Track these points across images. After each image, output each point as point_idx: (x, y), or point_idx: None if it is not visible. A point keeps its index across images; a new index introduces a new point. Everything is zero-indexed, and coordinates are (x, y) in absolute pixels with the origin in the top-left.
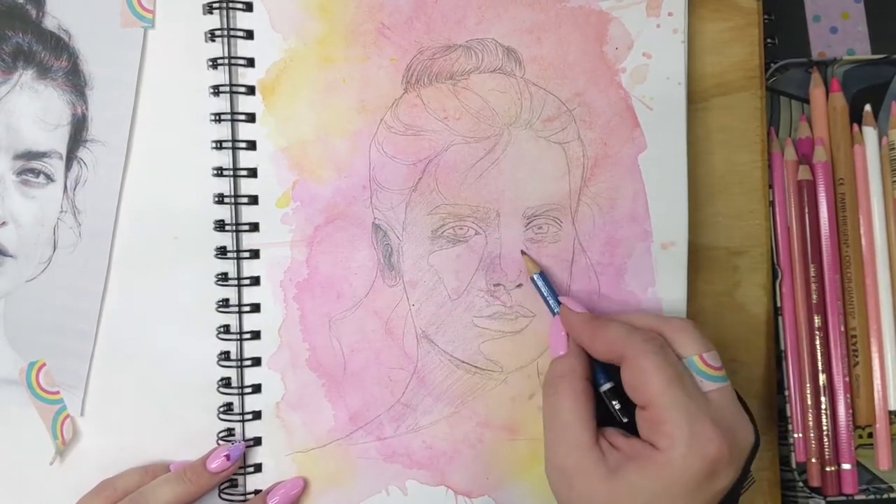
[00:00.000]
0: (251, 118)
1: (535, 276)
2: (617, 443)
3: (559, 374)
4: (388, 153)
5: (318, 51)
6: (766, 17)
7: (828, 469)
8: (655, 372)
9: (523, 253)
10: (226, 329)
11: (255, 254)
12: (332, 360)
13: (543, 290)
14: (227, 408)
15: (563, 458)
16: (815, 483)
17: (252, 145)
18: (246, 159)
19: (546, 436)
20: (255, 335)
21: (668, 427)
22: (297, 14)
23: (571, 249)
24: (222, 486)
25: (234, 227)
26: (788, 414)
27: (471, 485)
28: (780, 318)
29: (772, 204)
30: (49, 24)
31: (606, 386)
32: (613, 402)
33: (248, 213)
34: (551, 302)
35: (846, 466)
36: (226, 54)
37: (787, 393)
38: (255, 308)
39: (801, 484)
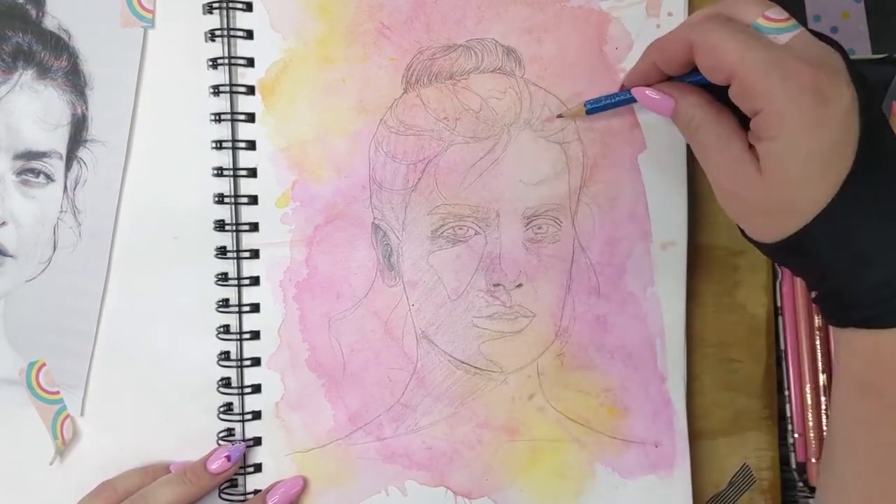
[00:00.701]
0: (251, 118)
1: (588, 108)
2: (750, 138)
3: (689, 117)
4: (387, 153)
5: (318, 51)
6: None
7: None
8: (725, 42)
9: (560, 116)
10: (226, 329)
11: (254, 254)
12: (331, 360)
13: (605, 101)
14: (227, 408)
15: (732, 183)
16: (815, 483)
17: (252, 145)
18: (245, 159)
19: (709, 172)
20: (255, 335)
21: (760, 84)
22: (296, 14)
23: (571, 249)
24: (222, 486)
25: (234, 227)
26: (788, 414)
27: (470, 486)
28: (780, 317)
29: None
30: (49, 23)
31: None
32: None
33: (248, 213)
34: (619, 97)
35: None
36: (226, 54)
37: (787, 393)
38: (255, 308)
39: (801, 484)
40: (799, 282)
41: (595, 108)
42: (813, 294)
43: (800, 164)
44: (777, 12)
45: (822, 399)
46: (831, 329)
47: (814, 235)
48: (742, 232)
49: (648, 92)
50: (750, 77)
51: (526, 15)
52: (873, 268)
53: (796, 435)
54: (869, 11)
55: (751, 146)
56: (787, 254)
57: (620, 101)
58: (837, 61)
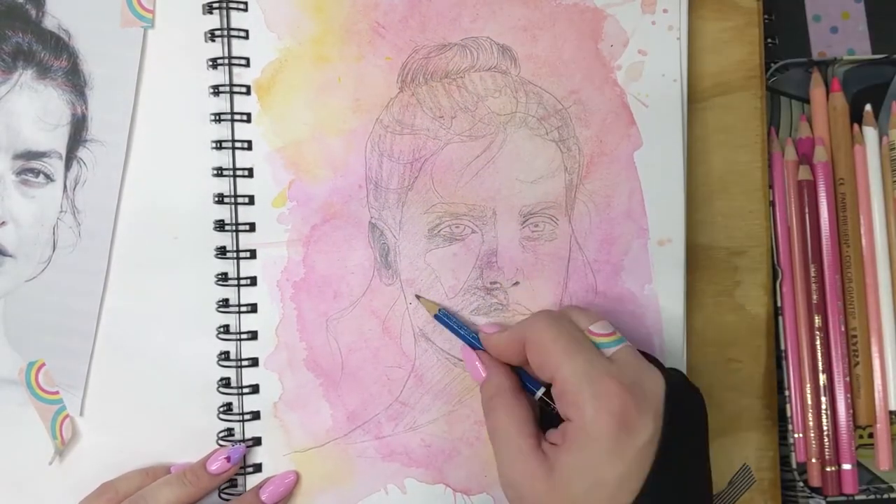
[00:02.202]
0: (247, 118)
1: (439, 314)
2: (555, 438)
3: (488, 396)
4: (383, 152)
5: (313, 50)
6: (766, 16)
7: (828, 469)
8: (552, 344)
9: (418, 297)
10: (225, 329)
11: (252, 254)
12: (329, 359)
13: (452, 324)
14: (227, 408)
15: (510, 472)
16: (816, 483)
17: (248, 145)
18: (242, 159)
19: (495, 456)
20: (253, 335)
21: (572, 395)
22: (291, 13)
23: (568, 247)
24: (222, 487)
25: (233, 227)
26: (789, 414)
27: (469, 482)
28: (780, 318)
29: (772, 204)
30: (49, 23)
31: (539, 392)
32: (550, 404)
33: (245, 213)
34: (462, 333)
35: (846, 466)
36: (225, 54)
37: (787, 393)
38: (253, 308)
39: (801, 484)
40: (799, 282)
41: (442, 320)
42: None
43: (585, 487)
44: (601, 326)
45: (823, 399)
46: None
47: None
48: None
49: (472, 355)
50: (566, 386)
51: (521, 13)
52: None
53: (797, 435)
54: (869, 11)
55: (550, 444)
56: None
57: (462, 337)
58: (655, 384)
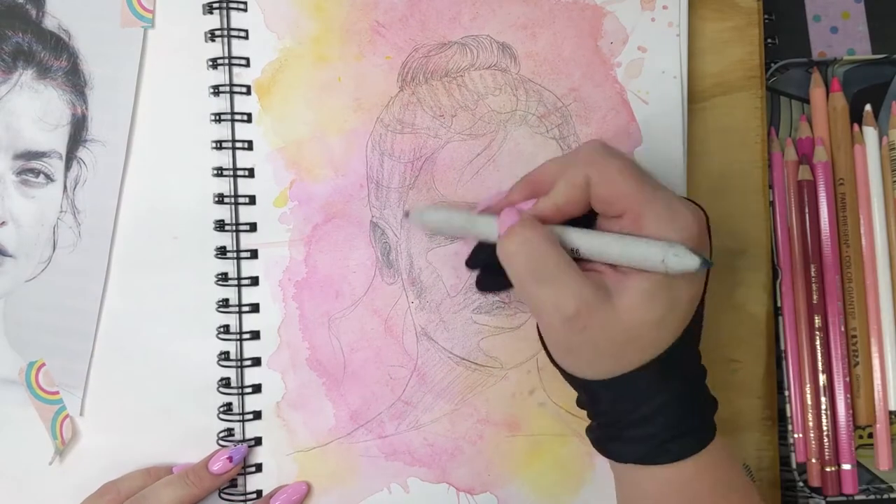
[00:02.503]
0: (248, 118)
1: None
2: (600, 268)
3: (528, 239)
4: (384, 151)
5: (313, 50)
6: (766, 16)
7: (828, 469)
8: (621, 173)
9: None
10: (225, 329)
11: (253, 254)
12: (332, 358)
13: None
14: (227, 408)
15: (565, 308)
16: (816, 483)
17: (249, 145)
18: (243, 159)
19: (536, 299)
20: (255, 335)
21: (653, 224)
22: (291, 13)
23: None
24: (223, 487)
25: (234, 227)
26: (788, 414)
27: (472, 481)
28: (780, 318)
29: (772, 204)
30: (49, 23)
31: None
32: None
33: (246, 213)
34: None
35: (846, 467)
36: (226, 54)
37: (787, 393)
38: (255, 308)
39: (801, 484)
40: (799, 282)
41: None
42: (593, 424)
43: (665, 307)
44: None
45: (822, 399)
46: (612, 469)
47: (640, 379)
48: (555, 364)
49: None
50: (644, 212)
51: (520, 11)
52: (666, 415)
53: (796, 435)
54: (869, 11)
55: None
56: (598, 392)
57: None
58: (703, 217)
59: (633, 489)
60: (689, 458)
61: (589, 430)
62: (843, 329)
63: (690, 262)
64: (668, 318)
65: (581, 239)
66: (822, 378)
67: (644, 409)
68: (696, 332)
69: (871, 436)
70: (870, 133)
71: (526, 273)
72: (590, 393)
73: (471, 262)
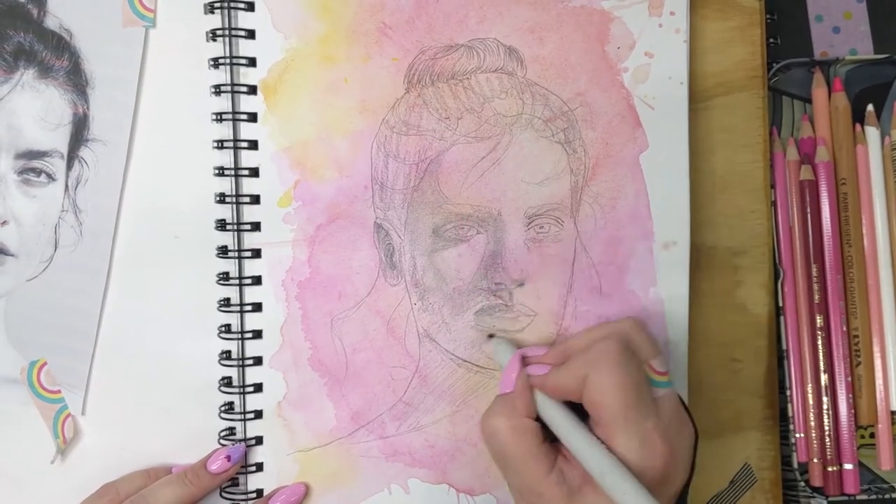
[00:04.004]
0: (253, 118)
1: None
2: (574, 463)
3: (497, 414)
4: (389, 153)
5: (320, 50)
6: (768, 16)
7: (830, 469)
8: (617, 392)
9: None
10: (227, 328)
11: (256, 253)
12: (333, 359)
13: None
14: (229, 407)
15: (525, 492)
16: (817, 483)
17: (254, 145)
18: (247, 159)
19: (504, 475)
20: (257, 334)
21: (621, 448)
22: (298, 13)
23: (573, 249)
24: (224, 486)
25: (235, 227)
26: (790, 414)
27: (472, 483)
28: (781, 317)
29: (774, 204)
30: (50, 23)
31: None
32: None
33: (250, 213)
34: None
35: (848, 466)
36: (227, 54)
37: (788, 393)
38: (257, 307)
39: (802, 484)
40: (801, 282)
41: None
42: None
43: None
44: (661, 364)
45: (824, 399)
46: None
47: None
48: None
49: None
50: (616, 435)
51: (528, 15)
52: None
53: (798, 435)
54: (871, 11)
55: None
56: None
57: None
58: (690, 439)
59: None
60: None
61: None
62: (844, 329)
63: None
64: None
65: (567, 433)
66: (823, 378)
67: None
68: None
69: (872, 436)
70: (872, 133)
71: (496, 455)
72: None
73: None
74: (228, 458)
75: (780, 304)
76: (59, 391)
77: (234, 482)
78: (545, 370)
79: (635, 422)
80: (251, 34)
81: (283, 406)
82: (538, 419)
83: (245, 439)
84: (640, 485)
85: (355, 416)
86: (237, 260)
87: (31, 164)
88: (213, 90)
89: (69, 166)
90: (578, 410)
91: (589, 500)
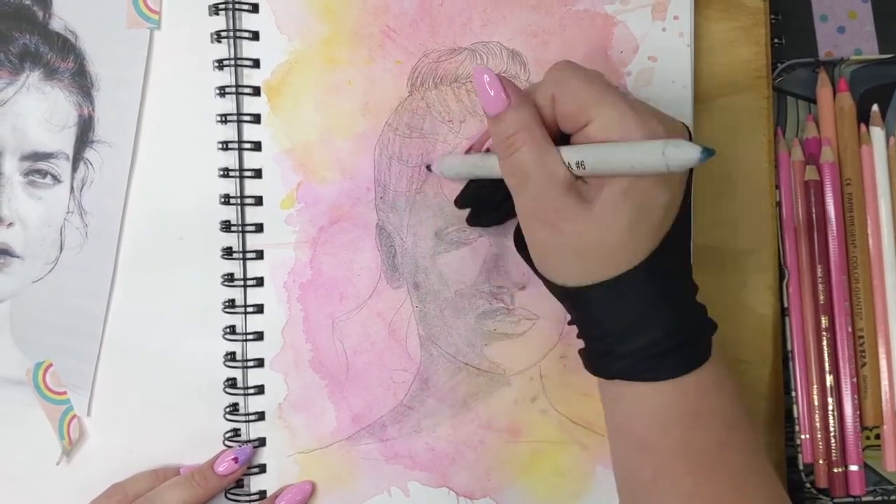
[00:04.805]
0: (256, 119)
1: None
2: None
3: (513, 129)
4: (392, 155)
5: (323, 52)
6: (772, 16)
7: (835, 470)
8: (587, 84)
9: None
10: (231, 329)
11: (259, 255)
12: (334, 361)
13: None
14: (234, 408)
15: (545, 207)
16: (823, 484)
17: (257, 146)
18: (251, 160)
19: (518, 195)
20: (259, 336)
21: (616, 127)
22: (302, 16)
23: None
24: (229, 487)
25: (240, 228)
26: (795, 415)
27: (472, 486)
28: (787, 318)
29: (778, 204)
30: (55, 25)
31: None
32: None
33: (253, 214)
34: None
35: (853, 468)
36: (231, 55)
37: (794, 394)
38: (259, 309)
39: (808, 485)
40: (806, 282)
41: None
42: (583, 344)
43: (631, 215)
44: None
45: (829, 400)
46: (599, 387)
47: (620, 287)
48: (534, 269)
49: (493, 78)
50: (611, 118)
51: (531, 18)
52: (650, 327)
53: (803, 436)
54: (876, 11)
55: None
56: (580, 300)
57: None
58: (681, 128)
59: (616, 410)
60: (676, 379)
61: (581, 352)
62: (850, 330)
63: (691, 152)
64: (639, 225)
65: (578, 152)
66: (829, 379)
67: (625, 320)
68: (678, 244)
69: (878, 437)
70: (877, 133)
71: (522, 145)
72: (571, 301)
73: (460, 201)
74: (236, 459)
75: (786, 305)
76: (64, 392)
77: (239, 484)
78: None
79: (620, 98)
80: (255, 36)
81: (283, 408)
82: None
83: (249, 440)
84: (639, 143)
85: (356, 419)
86: (242, 261)
87: (36, 165)
88: (217, 91)
89: (74, 168)
90: None
91: (603, 205)
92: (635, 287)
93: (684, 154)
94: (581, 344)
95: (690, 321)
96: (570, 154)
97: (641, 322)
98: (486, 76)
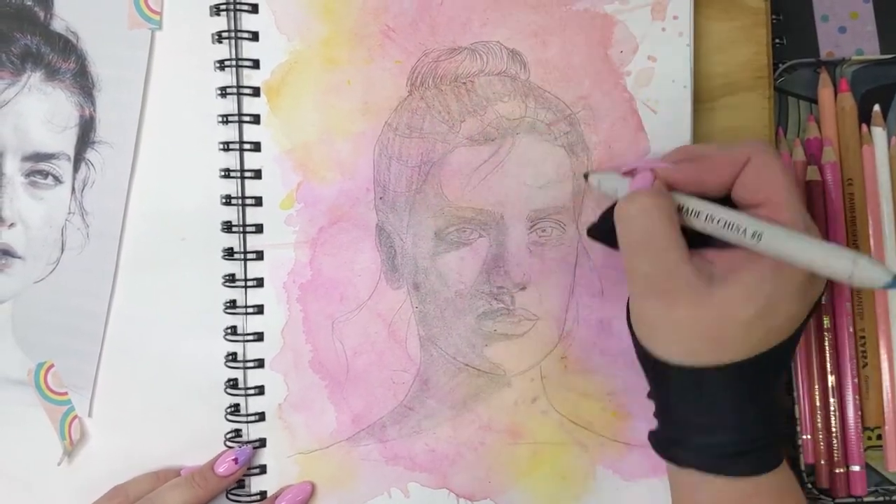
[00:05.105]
0: (256, 119)
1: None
2: (710, 257)
3: (639, 194)
4: (392, 155)
5: (323, 52)
6: (773, 16)
7: (837, 471)
8: (783, 169)
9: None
10: (233, 330)
11: (259, 255)
12: (334, 361)
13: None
14: (235, 409)
15: (662, 282)
16: (824, 485)
17: (257, 147)
18: (250, 161)
19: (635, 268)
20: (259, 336)
21: (790, 214)
22: (301, 16)
23: (575, 252)
24: (230, 488)
25: (241, 229)
26: (797, 415)
27: (472, 488)
28: None
29: None
30: (57, 25)
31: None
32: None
33: (253, 215)
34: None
35: (855, 468)
36: (232, 56)
37: (795, 394)
38: (259, 309)
39: (809, 486)
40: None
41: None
42: (657, 427)
43: (764, 310)
44: None
45: (831, 400)
46: (668, 468)
47: (718, 378)
48: (636, 342)
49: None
50: (782, 212)
51: (531, 18)
52: (737, 426)
53: (805, 436)
54: (878, 11)
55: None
56: (672, 379)
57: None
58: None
59: (688, 495)
60: (753, 478)
61: (652, 434)
62: (851, 330)
63: (883, 276)
64: (758, 323)
65: (760, 225)
66: (830, 379)
67: (712, 415)
68: (785, 350)
69: (879, 437)
70: (878, 133)
71: (631, 237)
72: (661, 379)
73: (594, 231)
74: (236, 460)
75: None
76: (65, 393)
77: (240, 484)
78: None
79: (800, 202)
80: (255, 36)
81: (283, 408)
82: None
83: (249, 441)
84: (828, 242)
85: (356, 419)
86: (243, 262)
87: (38, 166)
88: (218, 92)
89: (76, 168)
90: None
91: (731, 290)
92: (734, 381)
93: (875, 275)
94: (652, 423)
95: (774, 425)
96: (750, 222)
97: (730, 420)
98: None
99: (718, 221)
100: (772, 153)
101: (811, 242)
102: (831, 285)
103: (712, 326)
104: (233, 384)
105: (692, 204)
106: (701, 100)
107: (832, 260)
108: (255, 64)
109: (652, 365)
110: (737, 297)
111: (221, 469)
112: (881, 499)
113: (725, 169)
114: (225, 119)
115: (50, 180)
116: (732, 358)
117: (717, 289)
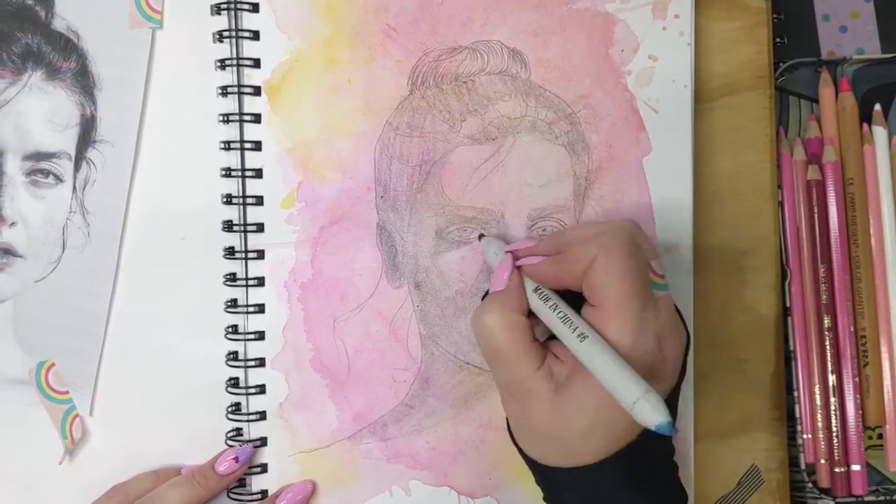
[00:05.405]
0: (257, 119)
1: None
2: (563, 355)
3: (490, 311)
4: (392, 155)
5: (324, 52)
6: (774, 16)
7: (837, 470)
8: (622, 273)
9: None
10: (234, 329)
11: (260, 254)
12: (335, 360)
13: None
14: (236, 408)
15: (514, 390)
16: (825, 484)
17: (257, 146)
18: (251, 160)
19: (493, 374)
20: (260, 335)
21: (613, 334)
22: (302, 15)
23: None
24: (231, 486)
25: (242, 228)
26: (798, 415)
27: (474, 485)
28: (789, 318)
29: (781, 204)
30: (58, 25)
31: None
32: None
33: (254, 214)
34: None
35: (856, 467)
36: (234, 55)
37: (796, 394)
38: (260, 308)
39: (810, 485)
40: (808, 282)
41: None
42: None
43: (597, 417)
44: (658, 266)
45: (832, 400)
46: None
47: (584, 475)
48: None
49: (509, 265)
50: (611, 320)
51: (531, 17)
52: None
53: (806, 436)
54: (879, 10)
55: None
56: (546, 477)
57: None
58: (681, 345)
59: None
60: None
61: None
62: (852, 329)
63: (655, 417)
64: (598, 430)
65: (582, 326)
66: (831, 378)
67: None
68: (653, 442)
69: (880, 436)
70: (879, 133)
71: (486, 351)
72: (539, 474)
73: None
74: (236, 459)
75: (788, 305)
76: (66, 392)
77: (241, 483)
78: (537, 261)
79: (634, 311)
80: (256, 35)
81: (284, 407)
82: (529, 315)
83: (250, 440)
84: (632, 369)
85: (357, 418)
86: (244, 261)
87: (38, 165)
88: (219, 91)
89: (77, 168)
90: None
91: (576, 392)
92: (601, 476)
93: (652, 415)
94: None
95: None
96: (580, 323)
97: None
98: (505, 264)
99: (559, 313)
100: (616, 253)
101: (613, 362)
102: (831, 285)
103: (557, 433)
104: (234, 383)
105: (546, 289)
106: (702, 100)
107: (621, 386)
108: (256, 63)
109: (527, 461)
110: (571, 407)
111: (222, 468)
112: (882, 498)
113: (577, 266)
114: (226, 118)
115: (51, 179)
116: (578, 462)
117: (562, 395)
